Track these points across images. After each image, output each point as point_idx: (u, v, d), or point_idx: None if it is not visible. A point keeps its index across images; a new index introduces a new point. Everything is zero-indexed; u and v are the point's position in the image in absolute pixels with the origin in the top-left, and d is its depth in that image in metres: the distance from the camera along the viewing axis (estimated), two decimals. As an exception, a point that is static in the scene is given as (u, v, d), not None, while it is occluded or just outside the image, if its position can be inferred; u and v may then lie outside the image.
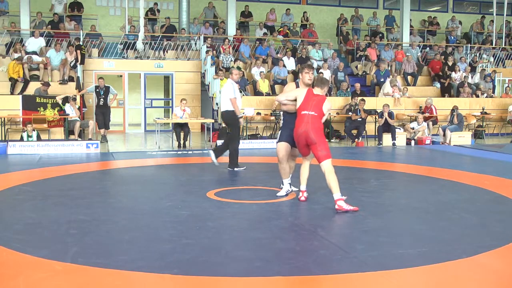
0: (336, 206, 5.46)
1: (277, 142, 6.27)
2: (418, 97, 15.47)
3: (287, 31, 17.83)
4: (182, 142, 11.98)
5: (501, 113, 15.85)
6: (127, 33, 15.81)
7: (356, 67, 17.10)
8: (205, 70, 15.44)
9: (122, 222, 5.07)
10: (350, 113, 13.47)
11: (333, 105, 13.37)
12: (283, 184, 6.31)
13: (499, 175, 8.02)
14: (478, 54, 18.88)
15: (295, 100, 5.89)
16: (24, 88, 13.50)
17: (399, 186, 7.50)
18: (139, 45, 15.26)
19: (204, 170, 8.79)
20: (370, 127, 13.83)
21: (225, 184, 7.22)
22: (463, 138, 13.28)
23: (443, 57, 17.40)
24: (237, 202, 5.96)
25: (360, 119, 13.38)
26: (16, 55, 14.00)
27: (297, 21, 19.06)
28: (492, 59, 18.81)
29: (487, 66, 18.28)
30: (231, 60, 15.73)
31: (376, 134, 13.13)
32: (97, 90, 12.67)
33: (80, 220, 5.07)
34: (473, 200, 6.26)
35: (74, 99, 12.63)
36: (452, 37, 19.66)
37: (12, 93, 13.38)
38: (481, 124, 15.29)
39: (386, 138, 12.74)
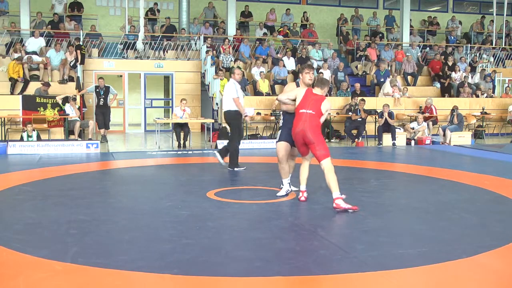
0: (334, 205, 5.48)
1: (276, 142, 6.28)
2: (418, 97, 15.47)
3: (287, 31, 17.84)
4: (182, 142, 11.98)
5: (501, 113, 15.85)
6: (127, 33, 15.82)
7: (356, 67, 17.10)
8: (205, 70, 15.45)
9: (122, 222, 5.07)
10: (350, 113, 13.47)
11: (333, 105, 13.39)
12: (283, 184, 6.32)
13: (499, 175, 8.02)
14: (478, 54, 18.88)
15: (295, 99, 5.90)
16: (24, 88, 13.50)
17: (399, 186, 7.50)
18: (139, 45, 15.26)
19: (204, 170, 8.79)
20: (370, 127, 13.83)
21: (225, 184, 7.22)
22: (463, 138, 13.28)
23: (443, 57, 17.41)
24: (237, 202, 5.96)
25: (360, 119, 13.38)
26: (16, 55, 14.00)
27: (297, 21, 19.07)
28: (492, 59, 18.81)
29: (487, 66, 18.28)
30: (231, 60, 15.73)
31: (376, 134, 13.13)
32: (97, 90, 12.67)
33: (80, 220, 5.07)
34: (473, 200, 6.26)
35: (74, 99, 12.64)
36: (452, 37, 19.66)
37: (12, 93, 13.38)
38: (481, 124, 15.29)
39: (386, 138, 12.74)
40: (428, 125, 13.88)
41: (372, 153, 11.41)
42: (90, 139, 11.87)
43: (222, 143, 11.64)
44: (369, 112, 13.73)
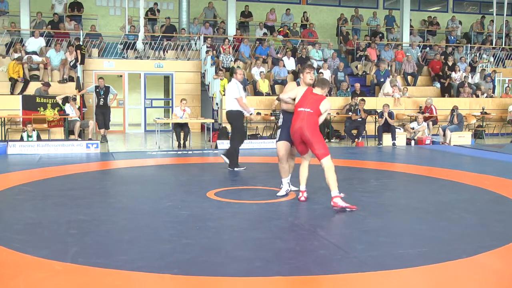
0: (332, 203, 5.50)
1: (276, 141, 6.29)
2: (418, 97, 15.47)
3: (287, 31, 17.83)
4: (182, 142, 11.98)
5: (501, 113, 15.85)
6: (127, 33, 15.82)
7: (356, 67, 17.10)
8: (205, 70, 15.45)
9: (122, 222, 5.08)
10: (350, 113, 13.47)
11: (333, 105, 13.39)
12: (282, 184, 6.32)
13: (499, 175, 8.02)
14: (478, 54, 18.88)
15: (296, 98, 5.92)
16: (24, 88, 13.50)
17: (399, 186, 7.50)
18: (139, 45, 15.26)
19: (204, 170, 8.80)
20: (370, 127, 13.83)
21: (225, 184, 7.22)
22: (463, 138, 13.28)
23: (443, 57, 17.40)
24: (237, 202, 5.96)
25: (360, 119, 13.38)
26: (16, 55, 14.00)
27: (297, 21, 19.06)
28: (492, 59, 18.81)
29: (487, 66, 18.28)
30: (231, 60, 15.73)
31: (376, 134, 13.13)
32: (97, 90, 12.67)
33: (80, 220, 5.07)
34: (473, 200, 6.26)
35: (74, 99, 12.64)
36: (452, 37, 19.66)
37: (12, 93, 13.38)
38: (481, 124, 15.29)
39: (386, 138, 12.74)
40: (428, 125, 13.88)
41: (372, 153, 11.41)
42: (90, 139, 11.87)
43: (222, 143, 11.68)
44: (369, 112, 13.73)
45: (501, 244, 4.30)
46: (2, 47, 15.11)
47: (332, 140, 13.54)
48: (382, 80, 15.74)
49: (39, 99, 12.48)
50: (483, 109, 15.41)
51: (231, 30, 17.07)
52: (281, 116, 6.34)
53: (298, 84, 6.28)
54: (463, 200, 6.26)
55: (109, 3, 18.37)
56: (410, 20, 18.97)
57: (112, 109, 13.32)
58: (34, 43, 14.71)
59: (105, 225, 4.95)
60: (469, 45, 19.06)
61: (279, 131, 6.32)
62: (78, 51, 14.30)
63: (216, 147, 11.77)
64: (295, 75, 15.04)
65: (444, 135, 13.26)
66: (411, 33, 18.80)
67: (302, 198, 5.95)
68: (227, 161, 8.39)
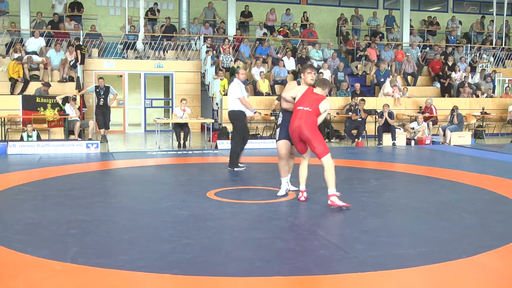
0: (329, 202, 5.55)
1: (277, 140, 6.29)
2: (418, 97, 15.48)
3: (287, 31, 17.84)
4: (182, 142, 11.98)
5: (501, 113, 15.86)
6: (127, 33, 15.82)
7: (356, 67, 17.10)
8: (205, 70, 15.45)
9: (122, 222, 5.07)
10: (350, 113, 13.48)
11: (333, 105, 13.39)
12: (281, 183, 6.32)
13: (499, 175, 8.02)
14: (478, 54, 18.88)
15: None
16: (24, 88, 13.50)
17: (399, 186, 7.50)
18: (139, 45, 15.27)
19: (204, 170, 8.80)
20: (370, 127, 13.84)
21: (225, 184, 7.22)
22: (463, 138, 13.29)
23: (443, 57, 17.41)
24: (237, 202, 5.96)
25: (360, 119, 13.38)
26: (16, 55, 14.00)
27: (297, 21, 19.06)
28: (492, 59, 18.81)
29: (487, 66, 18.28)
30: (231, 60, 15.73)
31: (376, 134, 13.13)
32: (97, 90, 12.67)
33: (80, 220, 5.07)
34: (473, 200, 6.26)
35: (74, 99, 12.64)
36: (452, 37, 19.66)
37: (12, 93, 13.38)
38: (481, 124, 15.29)
39: (386, 138, 12.74)
40: (428, 125, 13.88)
41: (372, 153, 11.41)
42: (90, 139, 11.87)
43: (222, 143, 11.69)
44: (369, 112, 13.73)
45: (501, 244, 4.30)
46: (2, 47, 15.11)
47: (332, 140, 13.55)
48: (382, 80, 15.74)
49: (39, 99, 12.48)
50: (483, 109, 15.41)
51: (231, 30, 17.07)
52: (281, 115, 6.35)
53: (299, 84, 6.28)
54: (463, 200, 6.26)
55: (109, 3, 18.37)
56: (410, 20, 18.97)
57: (112, 109, 13.32)
58: (34, 43, 14.71)
59: (105, 225, 4.95)
60: (469, 45, 19.06)
61: (278, 130, 6.33)
62: (78, 51, 14.30)
63: (216, 147, 11.77)
64: (295, 75, 15.04)
65: (444, 135, 13.26)
66: (411, 33, 18.80)
67: (302, 198, 5.95)
68: (240, 166, 8.44)
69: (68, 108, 12.34)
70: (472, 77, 17.07)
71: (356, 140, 12.97)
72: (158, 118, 12.67)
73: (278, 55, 16.46)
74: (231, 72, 14.97)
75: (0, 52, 14.90)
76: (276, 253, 4.09)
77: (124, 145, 12.78)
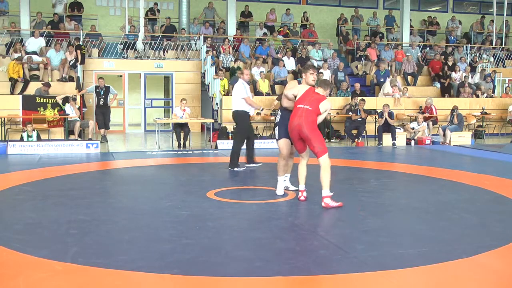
0: (323, 204, 5.58)
1: (277, 140, 6.29)
2: (418, 97, 15.47)
3: (287, 31, 17.83)
4: (182, 142, 11.98)
5: (501, 113, 15.86)
6: (127, 33, 15.82)
7: (356, 67, 17.10)
8: (205, 70, 15.45)
9: (122, 222, 5.07)
10: (350, 113, 13.48)
11: (333, 105, 13.38)
12: (278, 181, 6.33)
13: (499, 175, 8.02)
14: (478, 54, 18.88)
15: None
16: (24, 88, 13.50)
17: (399, 186, 7.50)
18: (139, 45, 15.27)
19: (204, 170, 8.80)
20: (370, 127, 13.83)
21: (225, 184, 7.22)
22: (463, 138, 13.29)
23: (443, 57, 17.40)
24: (237, 202, 5.96)
25: (360, 119, 13.38)
26: (16, 55, 14.00)
27: (297, 21, 19.06)
28: (492, 59, 18.81)
29: (487, 66, 18.28)
30: (231, 60, 15.73)
31: (376, 134, 13.13)
32: (97, 90, 12.67)
33: (80, 220, 5.07)
34: (473, 200, 6.26)
35: (74, 99, 12.64)
36: (452, 37, 19.65)
37: (12, 93, 13.38)
38: (481, 124, 15.29)
39: (386, 138, 12.74)
40: (428, 125, 13.88)
41: (372, 153, 11.41)
42: (90, 139, 11.87)
43: (222, 143, 11.69)
44: (369, 112, 13.73)
45: (501, 244, 4.30)
46: (2, 47, 15.11)
47: (332, 140, 13.55)
48: (382, 80, 15.74)
49: (39, 99, 12.48)
50: (483, 109, 15.41)
51: (231, 30, 17.07)
52: (279, 113, 6.34)
53: (300, 83, 6.28)
54: (463, 200, 6.26)
55: (109, 3, 18.37)
56: (410, 20, 18.97)
57: (112, 109, 13.32)
58: (34, 43, 14.71)
59: (105, 225, 4.95)
60: (469, 45, 19.06)
61: (277, 129, 6.31)
62: (78, 51, 14.30)
63: (216, 147, 11.77)
64: (295, 75, 15.04)
65: (444, 135, 13.26)
66: (411, 33, 18.80)
67: (302, 198, 5.95)
68: (250, 165, 8.49)
69: (68, 108, 12.34)
70: (472, 77, 17.07)
71: (356, 140, 12.97)
72: (158, 118, 12.67)
73: (278, 55, 16.46)
74: (231, 72, 14.98)
75: (0, 52, 14.90)
76: (276, 253, 4.09)
77: (124, 145, 12.79)
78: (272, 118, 13.45)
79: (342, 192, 6.39)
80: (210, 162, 9.78)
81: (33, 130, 11.47)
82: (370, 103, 14.36)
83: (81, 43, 14.91)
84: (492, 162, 9.81)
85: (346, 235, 4.72)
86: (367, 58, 17.07)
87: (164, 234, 4.59)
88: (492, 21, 19.08)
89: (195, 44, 16.76)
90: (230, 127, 13.02)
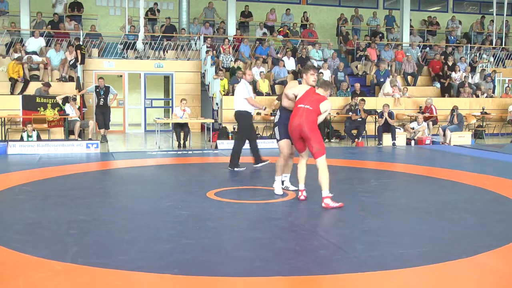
0: (323, 204, 5.58)
1: (278, 140, 6.28)
2: (418, 97, 15.47)
3: (287, 31, 17.83)
4: (182, 142, 11.98)
5: (501, 113, 15.86)
6: (127, 33, 15.82)
7: (356, 67, 17.10)
8: (205, 70, 15.45)
9: (122, 222, 5.07)
10: (350, 113, 13.48)
11: (333, 105, 13.36)
12: (275, 181, 6.33)
13: (499, 175, 8.02)
14: (478, 54, 18.88)
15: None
16: (24, 88, 13.50)
17: (399, 186, 7.50)
18: (139, 45, 15.27)
19: (204, 170, 8.80)
20: (370, 127, 13.83)
21: (225, 184, 7.22)
22: (463, 138, 13.28)
23: (443, 57, 17.40)
24: (237, 202, 5.96)
25: (360, 119, 13.38)
26: (16, 55, 14.00)
27: (297, 21, 19.06)
28: (492, 59, 18.81)
29: (487, 66, 18.28)
30: (231, 60, 15.73)
31: (376, 134, 13.13)
32: (97, 90, 12.67)
33: (80, 220, 5.07)
34: (473, 200, 6.26)
35: (74, 99, 12.64)
36: (452, 37, 19.65)
37: (12, 93, 13.38)
38: (481, 124, 15.29)
39: (386, 138, 12.74)
40: (428, 125, 13.88)
41: (372, 153, 11.41)
42: (90, 139, 11.87)
43: (222, 143, 11.69)
44: (369, 112, 13.73)
45: (501, 244, 4.30)
46: (2, 47, 15.11)
47: (332, 140, 13.55)
48: (382, 80, 15.74)
49: (39, 99, 12.48)
50: (483, 109, 15.40)
51: (231, 30, 17.07)
52: (278, 113, 6.34)
53: (300, 83, 6.29)
54: (463, 200, 6.26)
55: (109, 3, 18.37)
56: (410, 20, 18.97)
57: (112, 109, 13.32)
58: (34, 43, 14.71)
59: (105, 225, 4.95)
60: (469, 45, 19.06)
61: (276, 129, 6.30)
62: (78, 51, 14.30)
63: (216, 147, 11.77)
64: (295, 75, 15.04)
65: (444, 135, 13.26)
66: (411, 33, 18.80)
67: (302, 197, 5.96)
68: (259, 164, 8.52)
69: (68, 108, 12.34)
70: (472, 77, 17.07)
71: (356, 140, 12.97)
72: (158, 118, 12.67)
73: (278, 55, 16.46)
74: (231, 72, 14.97)
75: (0, 52, 14.90)
76: (276, 253, 4.09)
77: (124, 145, 12.79)
78: (272, 118, 13.46)
79: (342, 192, 6.39)
80: (210, 162, 9.78)
81: (33, 130, 11.47)
82: (370, 103, 14.36)
83: (81, 43, 14.91)
84: (492, 162, 9.81)
85: (346, 235, 4.72)
86: (367, 58, 17.07)
87: (164, 234, 4.59)
88: (492, 21, 19.08)
89: (195, 44, 16.76)
90: (230, 127, 13.02)
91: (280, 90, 13.99)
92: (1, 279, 3.48)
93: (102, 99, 12.61)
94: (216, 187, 6.82)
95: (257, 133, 13.65)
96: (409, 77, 16.75)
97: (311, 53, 16.51)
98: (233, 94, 13.51)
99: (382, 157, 10.76)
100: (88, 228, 4.77)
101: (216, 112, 14.36)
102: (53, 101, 12.47)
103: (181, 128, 12.07)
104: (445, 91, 16.40)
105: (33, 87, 13.33)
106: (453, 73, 16.73)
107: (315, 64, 15.70)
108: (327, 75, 15.07)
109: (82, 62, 14.49)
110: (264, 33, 17.49)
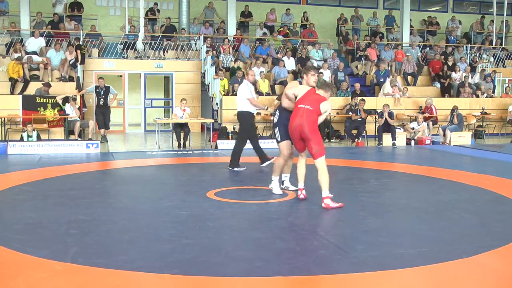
0: (323, 205, 5.58)
1: (279, 141, 6.27)
2: (418, 97, 15.48)
3: (287, 31, 17.83)
4: (182, 142, 11.98)
5: (501, 113, 15.86)
6: (127, 33, 15.82)
7: (356, 67, 17.10)
8: (205, 70, 15.45)
9: (122, 222, 5.07)
10: (350, 113, 13.48)
11: (333, 105, 13.37)
12: (272, 180, 6.33)
13: (499, 175, 8.02)
14: (478, 54, 18.88)
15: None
16: (24, 88, 13.50)
17: (399, 186, 7.50)
18: (139, 45, 15.27)
19: (204, 170, 8.80)
20: (370, 127, 13.83)
21: (225, 184, 7.22)
22: (463, 138, 13.28)
23: (443, 57, 17.40)
24: (237, 202, 5.96)
25: (360, 119, 13.38)
26: (16, 55, 14.00)
27: (297, 21, 19.06)
28: (492, 59, 18.81)
29: (487, 66, 18.28)
30: (231, 60, 15.73)
31: (376, 134, 13.13)
32: (97, 90, 12.67)
33: (80, 220, 5.07)
34: (473, 200, 6.26)
35: (74, 99, 12.64)
36: (452, 37, 19.65)
37: (12, 93, 13.38)
38: (481, 124, 15.29)
39: (386, 138, 12.74)
40: (428, 125, 13.88)
41: (372, 153, 11.41)
42: (90, 139, 11.87)
43: (222, 143, 11.69)
44: (369, 112, 13.73)
45: (501, 244, 4.30)
46: (2, 47, 15.11)
47: (332, 140, 13.55)
48: (382, 80, 15.74)
49: (39, 99, 12.48)
50: (483, 109, 15.41)
51: (231, 30, 17.07)
52: (277, 113, 6.32)
53: (300, 84, 6.29)
54: (463, 200, 6.26)
55: (109, 3, 18.37)
56: (410, 20, 18.96)
57: (112, 109, 13.33)
58: (34, 43, 14.71)
59: (105, 225, 4.95)
60: (469, 45, 19.06)
61: (277, 130, 6.27)
62: (78, 51, 14.30)
63: (216, 147, 11.77)
64: (295, 75, 15.04)
65: (444, 135, 13.26)
66: (411, 33, 18.80)
67: (302, 196, 5.96)
68: (264, 164, 8.55)
69: (68, 108, 12.34)
70: (472, 77, 17.07)
71: (356, 140, 12.97)
72: (158, 118, 12.67)
73: (278, 55, 16.46)
74: (231, 72, 14.97)
75: (0, 52, 14.90)
76: (276, 253, 4.09)
77: (124, 145, 12.79)
78: (272, 118, 13.46)
79: (342, 192, 6.39)
80: (210, 162, 9.78)
81: (33, 130, 11.47)
82: (370, 103, 14.36)
83: (81, 43, 14.91)
84: (492, 162, 9.81)
85: (346, 235, 4.72)
86: (367, 58, 17.06)
87: (164, 234, 4.59)
88: (492, 21, 19.08)
89: (195, 44, 16.75)
90: (230, 127, 13.02)
91: (280, 90, 13.99)
92: (1, 279, 3.48)
93: (102, 99, 12.61)
94: (216, 187, 6.82)
95: (257, 133, 13.73)
96: (409, 77, 16.76)
97: (311, 53, 16.51)
98: (233, 94, 13.55)
99: (382, 157, 10.76)
100: (88, 228, 4.77)
101: (216, 112, 14.36)
102: (53, 101, 12.47)
103: (181, 128, 12.07)
104: (445, 91, 16.40)
105: (33, 87, 13.33)
106: (453, 73, 16.73)
107: (315, 64, 15.70)
108: (327, 75, 15.06)
109: (82, 62, 14.49)
110: (264, 33, 17.49)
